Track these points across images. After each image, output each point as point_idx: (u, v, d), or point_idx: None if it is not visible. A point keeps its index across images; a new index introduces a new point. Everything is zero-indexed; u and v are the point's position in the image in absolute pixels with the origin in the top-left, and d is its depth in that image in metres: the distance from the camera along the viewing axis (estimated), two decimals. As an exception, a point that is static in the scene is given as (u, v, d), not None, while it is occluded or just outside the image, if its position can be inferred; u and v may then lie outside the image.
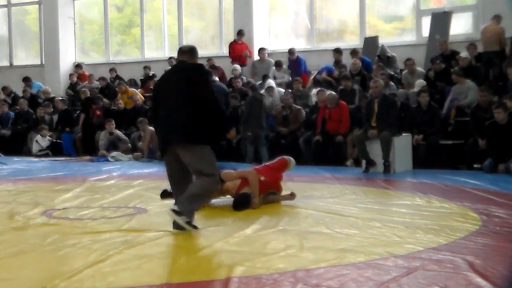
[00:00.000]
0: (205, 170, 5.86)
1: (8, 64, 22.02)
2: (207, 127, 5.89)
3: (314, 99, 13.96)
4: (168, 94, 6.00)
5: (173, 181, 6.21)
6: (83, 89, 17.76)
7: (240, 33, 16.73)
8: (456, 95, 12.45)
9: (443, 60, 13.55)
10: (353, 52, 14.82)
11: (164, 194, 7.69)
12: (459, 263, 4.57)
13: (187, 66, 6.13)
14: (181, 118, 5.85)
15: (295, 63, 16.02)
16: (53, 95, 18.48)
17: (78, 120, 16.74)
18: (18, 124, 17.28)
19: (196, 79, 5.98)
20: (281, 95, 14.50)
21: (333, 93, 13.03)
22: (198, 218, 6.32)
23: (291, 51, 16.00)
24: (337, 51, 15.28)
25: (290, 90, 14.50)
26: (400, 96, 12.94)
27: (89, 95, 17.13)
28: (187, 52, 6.21)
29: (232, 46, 16.76)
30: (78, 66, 19.79)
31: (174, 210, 5.80)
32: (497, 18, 13.14)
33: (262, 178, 7.37)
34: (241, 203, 7.12)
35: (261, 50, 16.51)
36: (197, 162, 5.87)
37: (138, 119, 14.93)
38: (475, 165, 11.20)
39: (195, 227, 5.88)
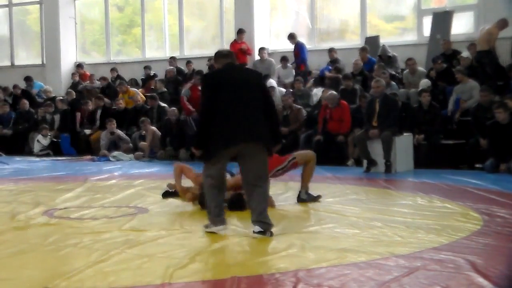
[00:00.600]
0: (265, 176, 5.86)
1: (10, 64, 22.03)
2: (272, 134, 5.98)
3: (315, 98, 13.97)
4: (240, 93, 5.87)
5: (219, 183, 5.93)
6: (69, 89, 17.85)
7: (240, 31, 16.71)
8: (459, 94, 12.44)
9: (445, 60, 13.54)
10: (363, 49, 14.84)
11: (166, 194, 7.72)
12: (460, 263, 4.56)
13: (257, 72, 6.39)
14: (257, 120, 5.84)
15: (296, 49, 16.03)
16: (53, 95, 18.49)
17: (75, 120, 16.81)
18: (19, 124, 17.29)
19: (260, 83, 6.17)
20: (281, 95, 14.54)
21: (334, 92, 13.02)
22: (198, 219, 6.32)
23: (291, 36, 16.06)
24: (331, 51, 15.45)
25: (291, 90, 14.52)
26: (401, 96, 12.94)
27: (74, 97, 17.31)
28: (229, 55, 6.20)
29: (233, 45, 16.76)
30: (79, 66, 19.79)
31: (261, 232, 5.65)
32: (502, 22, 13.03)
33: None
34: (236, 204, 7.08)
35: (261, 50, 16.50)
36: (262, 167, 5.83)
37: (139, 118, 14.95)
38: (477, 165, 11.18)
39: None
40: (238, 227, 6.10)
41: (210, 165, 5.86)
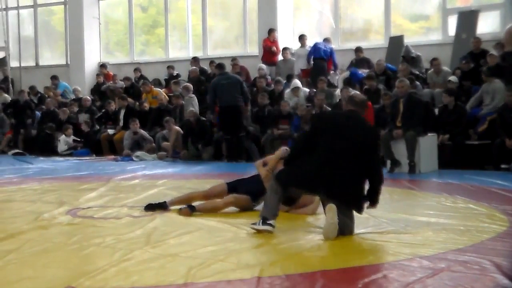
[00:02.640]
0: (349, 232, 5.66)
1: (34, 64, 22.23)
2: (370, 194, 5.88)
3: (338, 98, 13.97)
4: (340, 144, 5.69)
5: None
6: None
7: (271, 31, 16.69)
8: (484, 94, 12.32)
9: (472, 59, 13.43)
10: (369, 78, 14.50)
11: (149, 207, 7.15)
12: (485, 265, 4.50)
13: (369, 127, 6.03)
14: (349, 179, 5.67)
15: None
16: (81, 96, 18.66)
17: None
18: (44, 124, 17.42)
19: (374, 145, 5.88)
20: (305, 95, 14.53)
21: (358, 92, 12.95)
22: (221, 219, 6.32)
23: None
24: (358, 50, 15.37)
25: (314, 90, 14.49)
26: (425, 96, 12.85)
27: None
28: (360, 104, 5.98)
29: (265, 42, 16.72)
30: (103, 66, 19.92)
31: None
32: None
33: None
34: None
35: (284, 50, 16.48)
36: (344, 221, 5.60)
37: (163, 118, 15.00)
38: (502, 166, 11.07)
39: None
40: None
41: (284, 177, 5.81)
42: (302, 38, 16.25)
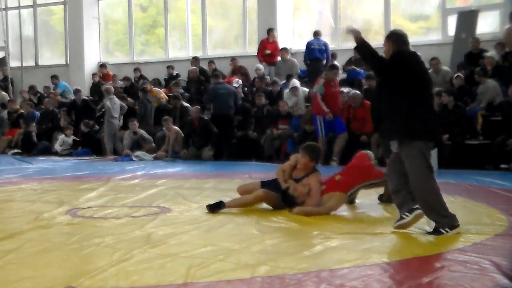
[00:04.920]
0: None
1: (34, 64, 22.23)
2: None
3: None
4: (431, 85, 5.88)
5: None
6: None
7: (270, 30, 16.66)
8: (480, 95, 12.34)
9: (471, 59, 13.44)
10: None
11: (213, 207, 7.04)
12: (485, 265, 4.50)
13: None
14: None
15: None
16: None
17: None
18: (43, 124, 17.42)
19: None
20: (305, 94, 14.52)
21: (357, 92, 12.98)
22: (222, 219, 6.31)
23: (316, 33, 16.16)
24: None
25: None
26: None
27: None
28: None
29: (264, 43, 16.69)
30: (102, 66, 19.92)
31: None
32: None
33: (338, 177, 7.21)
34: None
35: (283, 50, 16.47)
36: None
37: (162, 118, 15.00)
38: (502, 166, 11.08)
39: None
40: (262, 227, 6.09)
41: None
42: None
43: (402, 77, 5.54)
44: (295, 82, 14.92)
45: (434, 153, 11.26)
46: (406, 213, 5.60)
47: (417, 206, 5.58)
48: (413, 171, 5.52)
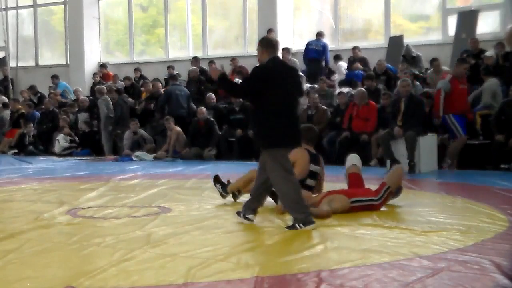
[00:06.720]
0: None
1: (34, 64, 22.23)
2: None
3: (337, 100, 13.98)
4: (291, 92, 6.16)
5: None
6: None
7: (270, 31, 16.65)
8: (484, 93, 12.33)
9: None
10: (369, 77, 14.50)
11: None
12: (485, 265, 4.50)
13: (297, 71, 6.68)
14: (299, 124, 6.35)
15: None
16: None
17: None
18: (43, 124, 17.43)
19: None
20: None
21: (362, 89, 12.97)
22: (222, 219, 6.31)
23: (319, 34, 16.11)
24: (355, 49, 15.44)
25: (316, 86, 14.51)
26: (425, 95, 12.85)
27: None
28: (277, 47, 6.37)
29: None
30: (102, 66, 19.92)
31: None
32: None
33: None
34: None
35: (283, 50, 16.45)
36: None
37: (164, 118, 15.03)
38: (502, 166, 11.08)
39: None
40: (262, 227, 6.09)
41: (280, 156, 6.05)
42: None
43: (259, 91, 6.00)
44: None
45: (433, 153, 11.37)
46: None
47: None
48: (271, 175, 6.05)
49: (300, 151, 7.05)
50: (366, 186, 7.45)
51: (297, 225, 5.90)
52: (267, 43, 6.25)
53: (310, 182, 7.29)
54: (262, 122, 6.05)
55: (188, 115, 15.40)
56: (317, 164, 7.37)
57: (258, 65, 6.21)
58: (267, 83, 5.95)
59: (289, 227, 5.94)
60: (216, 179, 7.92)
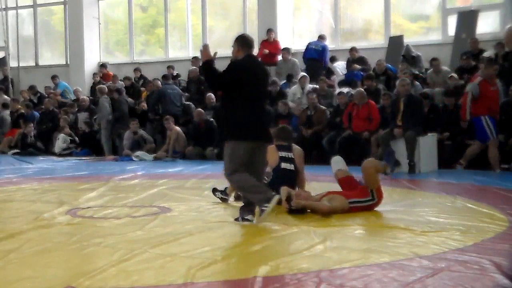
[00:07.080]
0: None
1: (34, 64, 22.23)
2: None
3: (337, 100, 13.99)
4: (263, 91, 6.46)
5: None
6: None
7: (269, 31, 16.64)
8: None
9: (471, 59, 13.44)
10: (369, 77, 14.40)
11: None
12: (485, 265, 4.50)
13: (268, 72, 7.03)
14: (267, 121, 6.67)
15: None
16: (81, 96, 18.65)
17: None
18: (43, 124, 17.42)
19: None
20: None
21: (361, 89, 12.96)
22: (221, 218, 6.31)
23: (321, 37, 16.16)
24: (352, 50, 15.49)
25: (316, 86, 14.52)
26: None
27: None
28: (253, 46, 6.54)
29: (264, 44, 16.66)
30: (102, 66, 19.91)
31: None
32: None
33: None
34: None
35: (284, 50, 16.45)
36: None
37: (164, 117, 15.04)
38: (502, 166, 11.07)
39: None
40: (262, 227, 6.09)
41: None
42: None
43: (231, 86, 6.22)
44: (302, 73, 15.17)
45: (433, 153, 11.36)
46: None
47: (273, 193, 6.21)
48: (224, 166, 6.25)
49: (269, 147, 7.11)
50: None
51: (263, 208, 6.03)
52: (243, 41, 6.40)
53: (285, 165, 7.55)
54: (229, 115, 6.22)
55: (183, 114, 15.52)
56: (288, 151, 7.66)
57: (234, 60, 6.41)
58: (241, 79, 6.14)
59: (260, 214, 6.09)
60: (214, 190, 7.89)
